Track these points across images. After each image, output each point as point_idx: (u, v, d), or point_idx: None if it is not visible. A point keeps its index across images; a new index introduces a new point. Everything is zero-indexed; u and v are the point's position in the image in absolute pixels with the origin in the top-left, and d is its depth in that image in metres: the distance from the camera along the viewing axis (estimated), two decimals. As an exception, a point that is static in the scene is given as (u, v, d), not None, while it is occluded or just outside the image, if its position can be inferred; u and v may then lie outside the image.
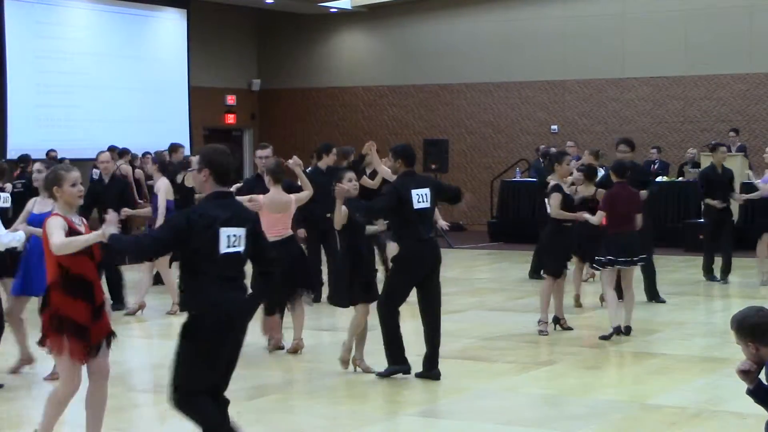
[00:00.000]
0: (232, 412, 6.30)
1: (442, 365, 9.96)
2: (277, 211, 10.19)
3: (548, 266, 11.61)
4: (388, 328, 9.19)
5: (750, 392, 5.08)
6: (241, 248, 6.02)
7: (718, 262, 15.65)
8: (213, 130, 27.08)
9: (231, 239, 5.96)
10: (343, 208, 9.09)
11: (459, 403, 8.57)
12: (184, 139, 23.96)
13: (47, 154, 19.42)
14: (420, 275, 9.20)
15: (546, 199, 11.67)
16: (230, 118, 27.82)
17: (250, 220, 6.15)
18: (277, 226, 10.13)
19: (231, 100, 27.71)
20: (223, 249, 5.93)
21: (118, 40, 24.07)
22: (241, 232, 5.99)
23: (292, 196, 10.48)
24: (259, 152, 11.39)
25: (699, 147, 22.05)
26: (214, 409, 6.04)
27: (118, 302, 13.02)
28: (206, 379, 6.03)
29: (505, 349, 10.75)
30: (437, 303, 9.35)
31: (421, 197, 9.07)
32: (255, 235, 6.12)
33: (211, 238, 5.90)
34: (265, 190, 10.42)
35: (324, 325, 12.07)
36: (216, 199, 6.04)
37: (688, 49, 23.67)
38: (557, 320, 11.67)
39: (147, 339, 11.91)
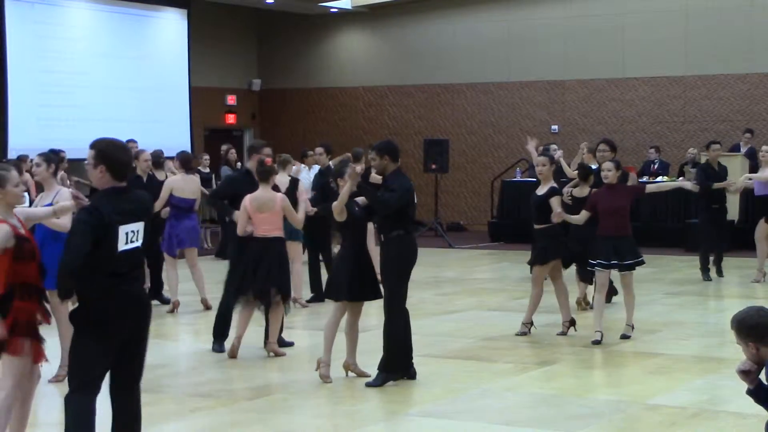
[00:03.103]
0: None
1: (443, 365, 9.98)
2: (261, 211, 10.19)
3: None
4: (398, 333, 9.03)
5: (750, 392, 5.08)
6: (138, 243, 6.02)
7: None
8: (213, 130, 27.08)
9: (129, 235, 5.95)
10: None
11: (459, 403, 8.57)
12: (184, 139, 24.00)
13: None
14: (410, 269, 9.13)
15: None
16: (230, 118, 27.81)
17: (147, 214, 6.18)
18: (264, 225, 10.17)
19: (231, 100, 27.69)
20: (122, 246, 5.90)
21: (118, 40, 24.05)
22: (139, 227, 6.00)
23: (279, 195, 10.46)
24: (266, 150, 11.20)
25: (699, 147, 22.04)
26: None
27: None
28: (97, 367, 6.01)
29: (505, 349, 10.75)
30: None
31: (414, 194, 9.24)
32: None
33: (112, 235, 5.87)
34: (253, 187, 10.43)
35: (324, 326, 12.04)
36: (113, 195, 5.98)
37: (688, 49, 23.66)
38: (573, 322, 11.50)
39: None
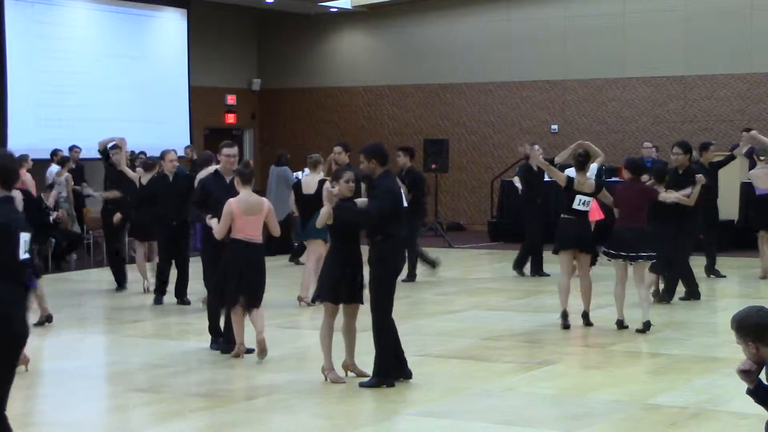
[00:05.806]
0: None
1: (443, 365, 9.98)
2: (249, 213, 10.02)
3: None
4: (386, 337, 8.98)
5: (750, 392, 5.08)
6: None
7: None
8: (213, 130, 27.07)
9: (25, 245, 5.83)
10: (326, 210, 8.91)
11: (459, 403, 8.57)
12: (184, 139, 23.98)
13: (54, 154, 19.40)
14: (398, 274, 9.15)
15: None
16: (230, 118, 27.81)
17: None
18: (248, 229, 9.99)
19: (231, 100, 27.69)
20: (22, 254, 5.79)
21: (118, 40, 24.05)
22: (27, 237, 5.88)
23: (265, 199, 10.34)
24: (227, 150, 10.86)
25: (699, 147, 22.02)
26: None
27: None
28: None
29: (505, 349, 10.75)
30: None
31: (403, 196, 9.19)
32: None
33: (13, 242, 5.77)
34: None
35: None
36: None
37: (688, 49, 23.67)
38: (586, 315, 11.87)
39: (146, 339, 11.91)
